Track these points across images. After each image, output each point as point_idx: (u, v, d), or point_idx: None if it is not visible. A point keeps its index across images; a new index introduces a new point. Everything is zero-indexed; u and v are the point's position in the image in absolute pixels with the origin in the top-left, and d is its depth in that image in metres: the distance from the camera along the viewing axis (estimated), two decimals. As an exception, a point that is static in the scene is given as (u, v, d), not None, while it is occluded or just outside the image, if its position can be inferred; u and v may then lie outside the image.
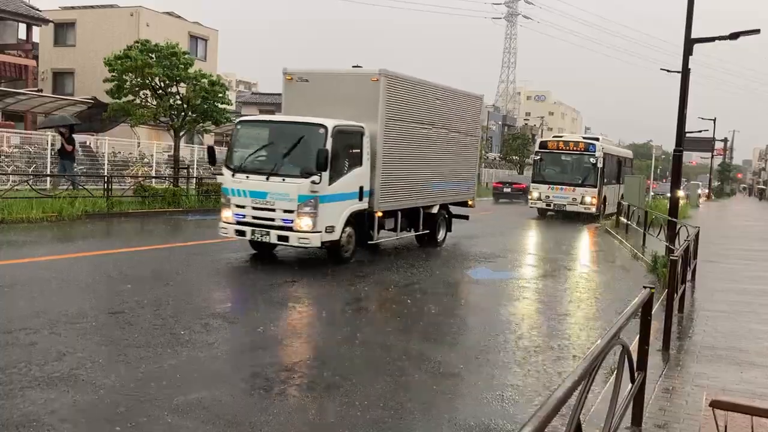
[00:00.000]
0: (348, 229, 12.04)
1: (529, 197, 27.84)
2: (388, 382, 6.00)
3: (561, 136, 29.34)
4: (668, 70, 24.89)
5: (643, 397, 4.76)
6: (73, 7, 41.05)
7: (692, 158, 78.67)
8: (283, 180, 11.33)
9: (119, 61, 22.30)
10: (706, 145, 42.13)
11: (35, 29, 38.00)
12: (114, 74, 22.45)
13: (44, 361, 5.86)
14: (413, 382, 6.10)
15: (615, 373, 3.91)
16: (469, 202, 17.35)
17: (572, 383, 2.58)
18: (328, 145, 11.25)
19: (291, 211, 11.24)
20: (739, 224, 32.02)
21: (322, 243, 11.48)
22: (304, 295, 9.94)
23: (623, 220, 22.97)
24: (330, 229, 11.49)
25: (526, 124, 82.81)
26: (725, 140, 72.74)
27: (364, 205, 12.40)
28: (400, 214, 13.79)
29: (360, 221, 12.43)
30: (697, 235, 11.80)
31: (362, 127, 12.27)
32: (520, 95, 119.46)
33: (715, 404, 3.81)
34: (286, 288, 10.13)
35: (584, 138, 27.69)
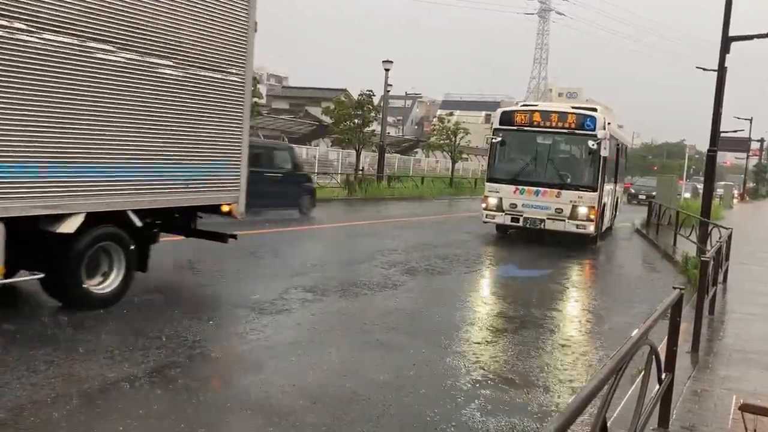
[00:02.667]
0: None
1: (483, 205, 16.95)
2: None
3: (535, 105, 18.07)
4: (704, 69, 24.41)
5: (670, 398, 4.71)
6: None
7: (726, 158, 77.23)
8: None
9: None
10: (741, 145, 41.37)
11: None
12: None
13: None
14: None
15: (642, 373, 3.89)
16: (225, 208, 8.79)
17: (598, 382, 2.58)
18: None
19: None
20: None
21: None
22: None
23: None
24: None
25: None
26: (762, 140, 71.14)
27: None
28: None
29: None
30: (729, 237, 11.61)
31: None
32: (551, 92, 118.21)
33: (744, 408, 3.77)
34: None
35: (575, 108, 16.89)
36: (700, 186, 47.76)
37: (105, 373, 5.40)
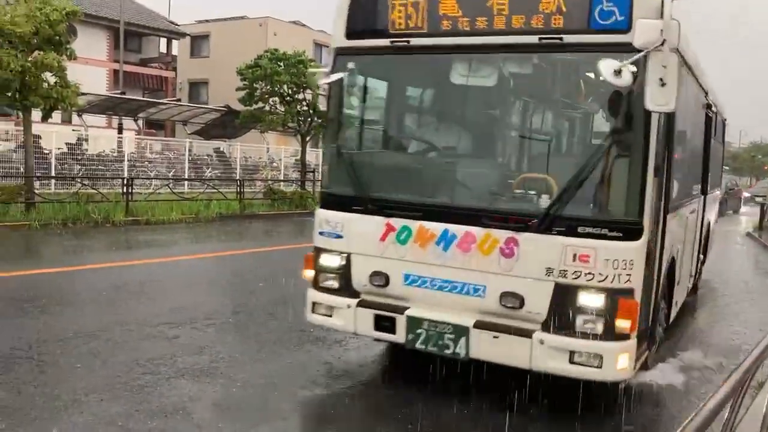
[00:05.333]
0: None
1: (308, 274, 6.06)
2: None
3: None
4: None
5: (797, 414, 4.39)
6: (207, 21, 43.56)
7: None
8: None
9: (250, 70, 23.42)
10: None
11: (174, 43, 40.70)
12: (245, 83, 23.61)
13: (186, 354, 6.24)
14: None
15: (764, 387, 3.65)
16: None
17: (724, 396, 2.44)
18: None
19: None
20: None
21: None
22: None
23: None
24: None
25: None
26: None
27: None
28: None
29: None
30: None
31: None
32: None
33: None
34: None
35: None
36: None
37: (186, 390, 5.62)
